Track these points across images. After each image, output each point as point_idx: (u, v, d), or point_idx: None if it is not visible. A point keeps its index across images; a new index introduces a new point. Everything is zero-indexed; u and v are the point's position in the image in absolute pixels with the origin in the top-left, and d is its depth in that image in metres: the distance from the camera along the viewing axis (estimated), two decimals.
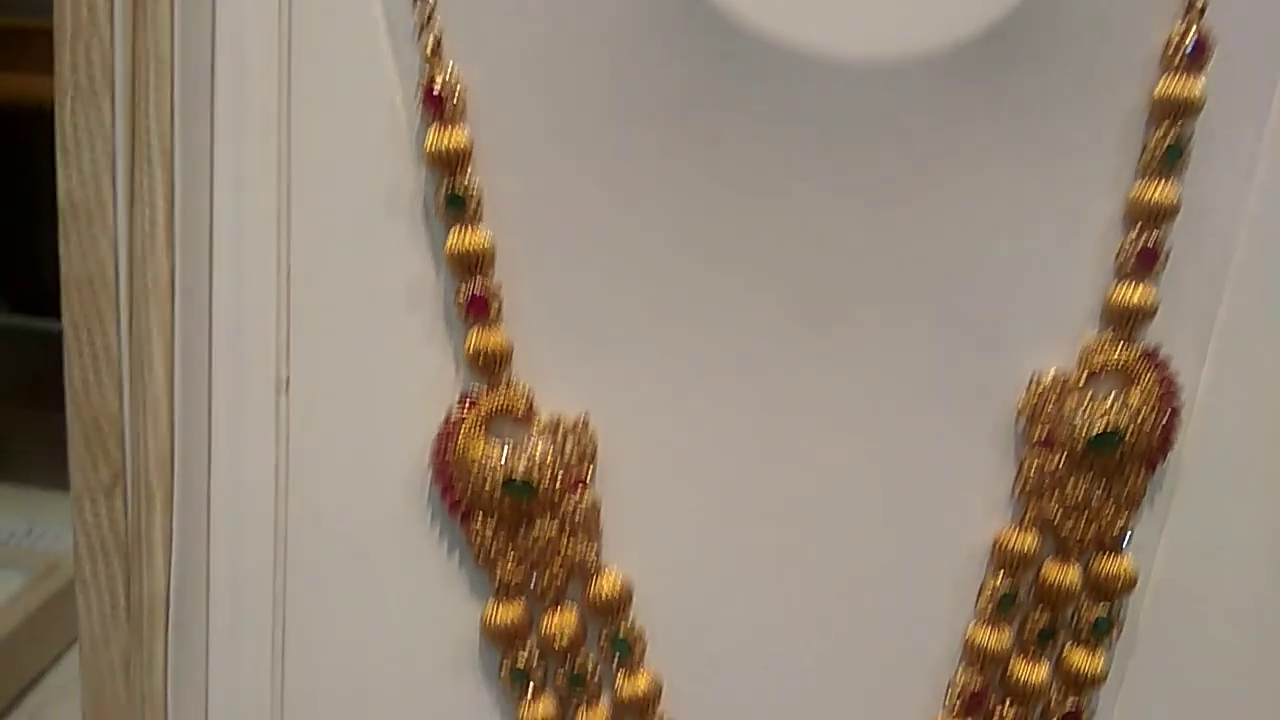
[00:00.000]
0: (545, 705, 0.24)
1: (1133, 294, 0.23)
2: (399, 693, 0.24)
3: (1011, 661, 0.24)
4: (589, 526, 0.23)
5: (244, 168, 0.22)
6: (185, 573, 0.22)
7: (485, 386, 0.23)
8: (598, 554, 0.23)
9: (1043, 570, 0.24)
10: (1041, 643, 0.24)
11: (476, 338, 0.23)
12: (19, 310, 0.86)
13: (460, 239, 0.22)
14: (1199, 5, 0.22)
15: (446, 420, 0.23)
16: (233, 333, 0.23)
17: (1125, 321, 0.23)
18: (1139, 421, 0.23)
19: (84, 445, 0.22)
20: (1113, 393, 0.23)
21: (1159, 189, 0.23)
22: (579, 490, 0.23)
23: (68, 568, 0.72)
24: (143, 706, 0.22)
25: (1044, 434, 0.23)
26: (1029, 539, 0.23)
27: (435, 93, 0.22)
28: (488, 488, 0.23)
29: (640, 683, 0.23)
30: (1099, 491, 0.23)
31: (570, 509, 0.23)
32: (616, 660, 0.24)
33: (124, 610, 0.22)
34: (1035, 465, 0.23)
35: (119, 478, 0.22)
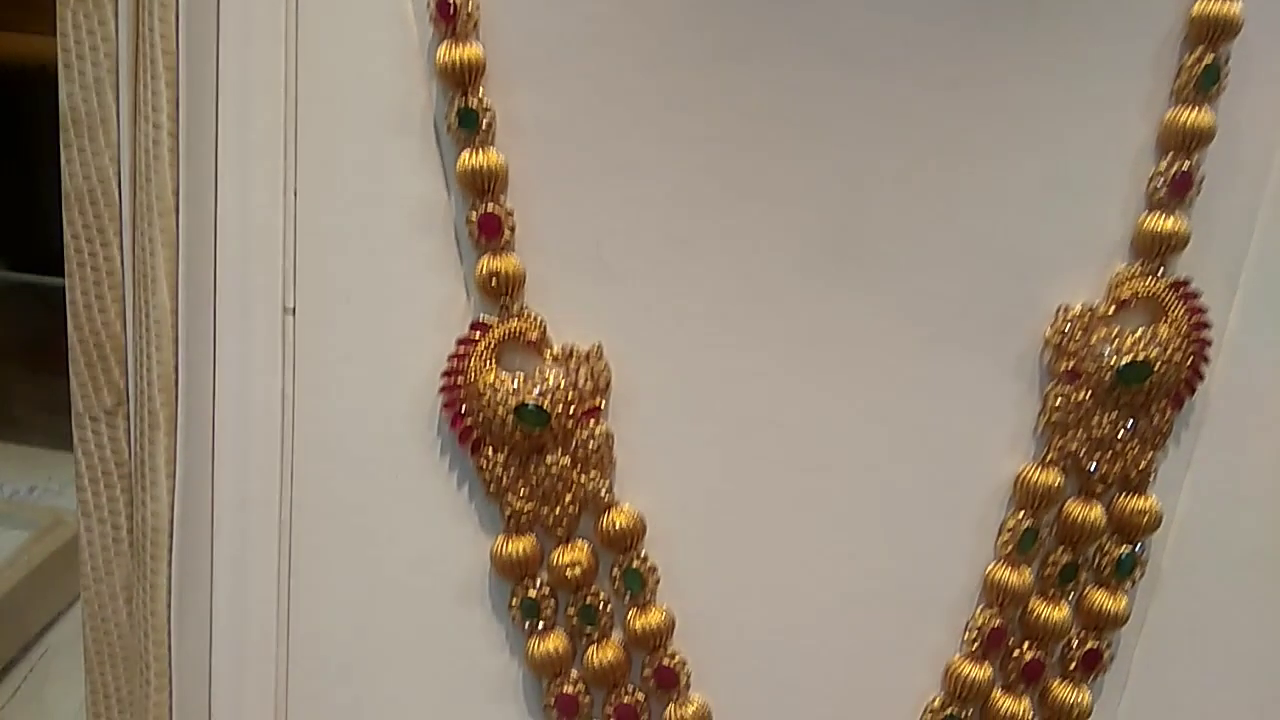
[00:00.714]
0: (555, 640, 0.23)
1: (1164, 223, 0.22)
2: (406, 624, 0.23)
3: (1031, 601, 0.23)
4: (602, 459, 0.23)
5: (250, 81, 0.21)
6: (189, 500, 0.22)
7: (497, 313, 0.22)
8: (610, 487, 0.23)
9: (1065, 508, 0.23)
10: (1062, 582, 0.23)
11: (488, 261, 0.22)
12: (18, 269, 0.86)
13: (472, 158, 0.22)
14: None
15: (457, 346, 0.22)
16: (238, 253, 0.22)
17: (1155, 252, 0.22)
18: (1167, 354, 0.22)
19: (86, 367, 0.21)
20: (1141, 325, 0.23)
21: (1194, 114, 0.22)
22: (592, 421, 0.23)
23: (71, 524, 0.72)
24: (146, 637, 0.21)
25: (1070, 367, 0.23)
26: (1052, 475, 0.23)
27: (448, 5, 0.21)
28: (499, 415, 0.22)
29: (652, 617, 0.23)
30: (1124, 427, 0.23)
31: (583, 440, 0.23)
32: (628, 595, 0.23)
33: (126, 538, 0.22)
34: (1060, 399, 0.23)
35: (122, 401, 0.21)
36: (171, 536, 0.21)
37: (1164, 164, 0.22)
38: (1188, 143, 0.22)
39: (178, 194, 0.20)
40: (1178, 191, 0.22)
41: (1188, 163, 0.22)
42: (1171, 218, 0.22)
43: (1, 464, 0.80)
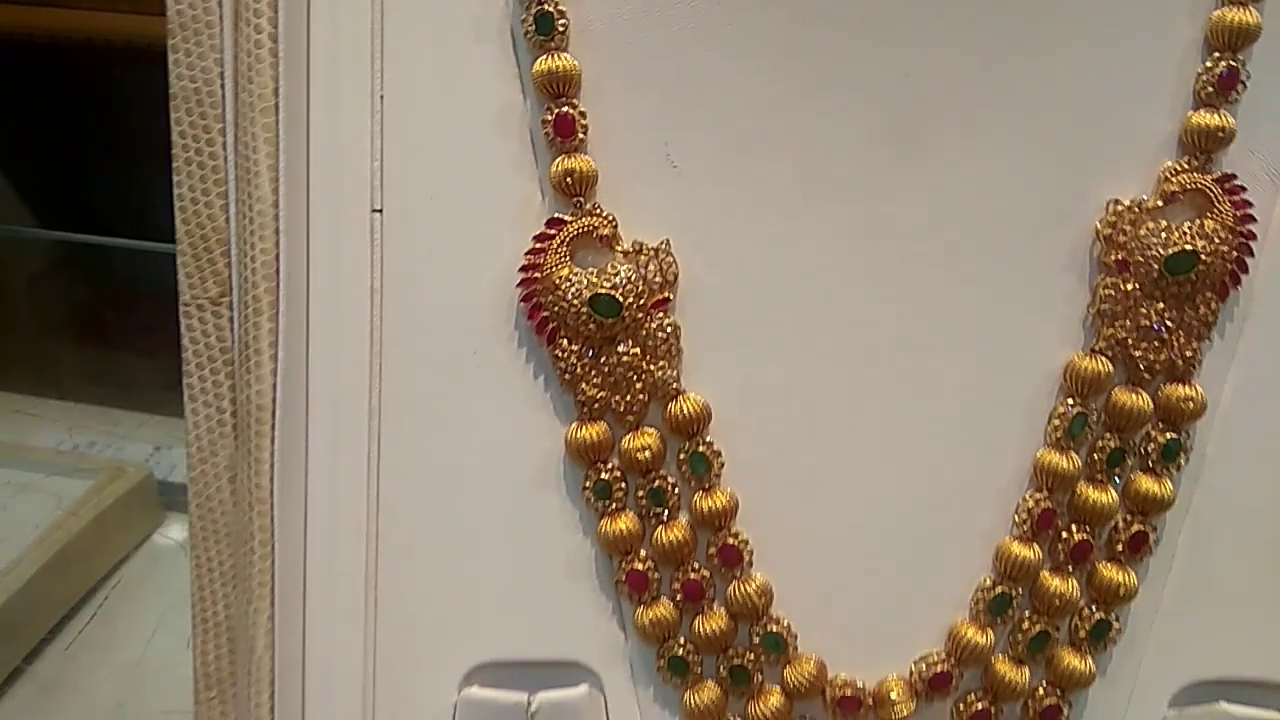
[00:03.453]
0: (626, 520, 0.25)
1: (1210, 120, 0.23)
2: (486, 506, 0.25)
3: (1079, 485, 0.25)
4: (670, 349, 0.24)
5: None
6: (288, 383, 0.24)
7: (571, 211, 0.24)
8: (678, 376, 0.24)
9: (1113, 395, 0.24)
10: (1110, 467, 0.24)
11: (563, 161, 0.24)
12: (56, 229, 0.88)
13: (547, 62, 0.23)
14: None
15: (534, 242, 0.24)
16: (329, 155, 0.24)
17: (1202, 148, 0.23)
18: (1213, 246, 0.23)
19: (193, 258, 0.23)
20: (1188, 219, 0.24)
21: (1239, 13, 0.23)
22: (660, 313, 0.24)
23: (132, 473, 0.75)
24: (250, 508, 0.23)
25: (1119, 258, 0.24)
26: (1100, 364, 0.24)
27: None
28: (574, 307, 0.24)
29: (717, 499, 0.24)
30: (1172, 317, 0.24)
31: (651, 331, 0.24)
32: (694, 478, 0.24)
33: (230, 420, 0.24)
34: (1109, 289, 0.24)
35: (226, 291, 0.23)
36: (274, 415, 0.23)
37: (1210, 62, 0.23)
38: (1233, 41, 0.23)
39: (277, 94, 0.22)
40: (1224, 89, 0.23)
41: (1233, 61, 0.23)
42: (1217, 115, 0.23)
43: (60, 421, 0.83)
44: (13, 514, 0.71)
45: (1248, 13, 0.23)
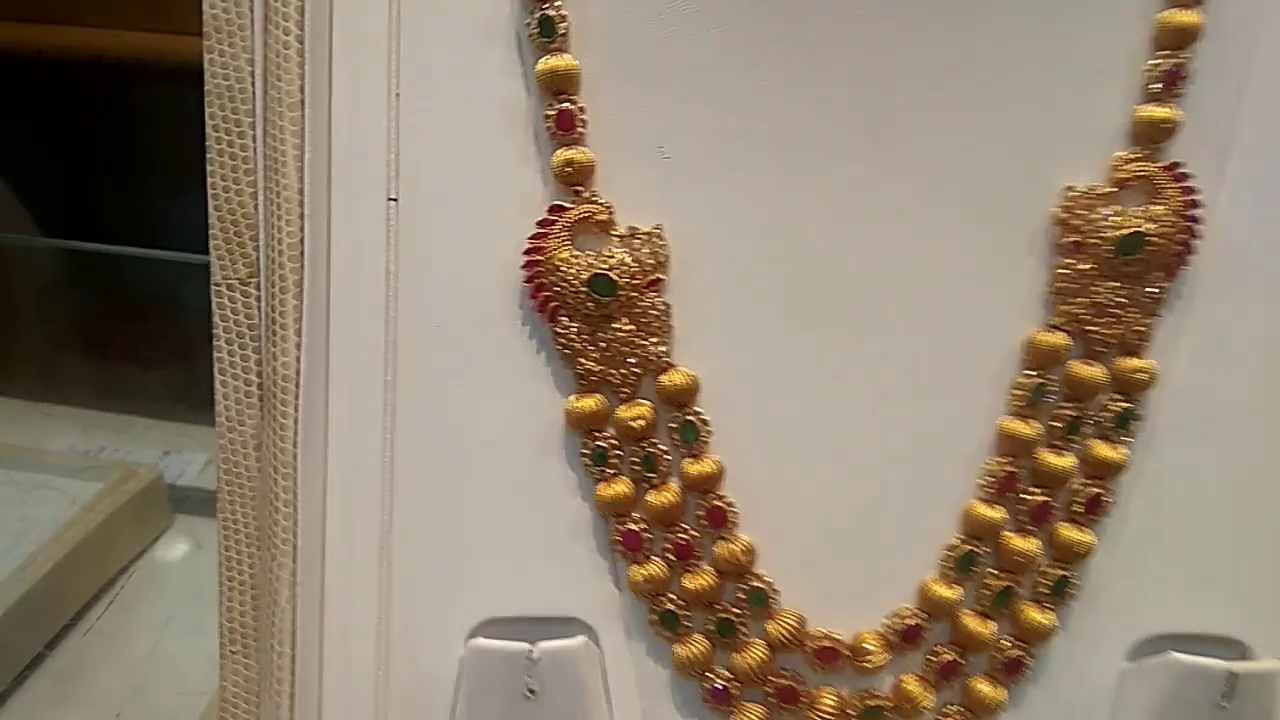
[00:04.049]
0: (621, 484, 0.26)
1: (1158, 112, 0.25)
2: (491, 472, 0.27)
3: (1040, 450, 0.26)
4: (662, 326, 0.26)
5: None
6: (311, 357, 0.26)
7: (571, 199, 0.26)
8: (669, 351, 0.26)
9: (1070, 367, 0.26)
10: (1068, 434, 0.26)
11: (564, 153, 0.26)
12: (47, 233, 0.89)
13: (550, 62, 0.25)
14: None
15: (537, 228, 0.26)
16: (349, 147, 0.26)
17: (1150, 138, 0.25)
18: (1161, 229, 0.25)
19: (224, 242, 0.25)
20: (1138, 204, 0.26)
21: (1185, 15, 0.25)
22: (653, 293, 0.26)
23: (143, 475, 0.77)
24: (275, 472, 0.25)
25: (1075, 240, 0.26)
26: (1059, 338, 0.26)
27: None
28: (573, 287, 0.26)
29: (705, 465, 0.26)
30: (1124, 295, 0.26)
31: (645, 309, 0.26)
32: (684, 445, 0.26)
33: (256, 391, 0.26)
34: (1066, 269, 0.26)
35: (254, 272, 0.25)
36: (298, 386, 0.25)
37: (1158, 59, 0.25)
38: (1179, 40, 0.25)
39: (303, 90, 0.24)
40: (1170, 84, 0.25)
41: (1179, 58, 0.25)
42: (1165, 108, 0.25)
43: (72, 426, 0.85)
44: (29, 512, 0.73)
45: (1191, 14, 0.25)
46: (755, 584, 0.27)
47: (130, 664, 0.65)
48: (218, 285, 0.25)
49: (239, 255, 0.25)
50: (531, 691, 0.26)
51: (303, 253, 0.25)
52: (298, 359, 0.25)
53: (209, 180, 0.25)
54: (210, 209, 0.25)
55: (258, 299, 0.25)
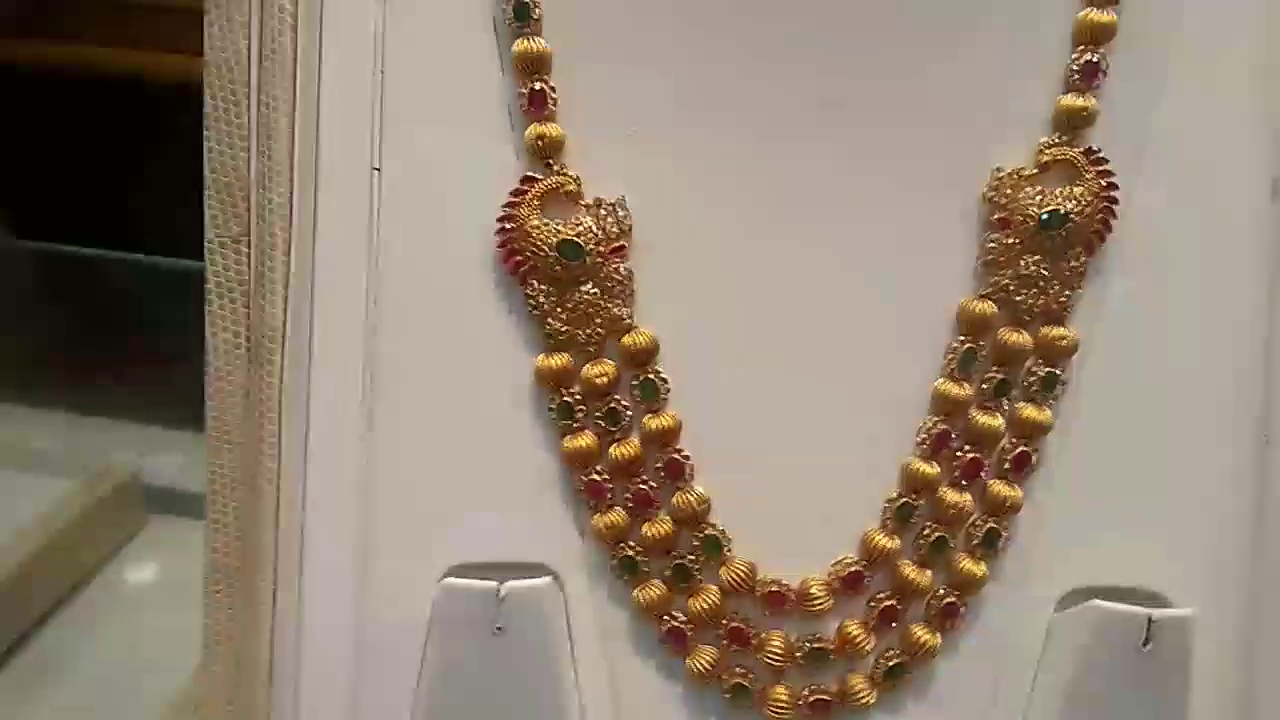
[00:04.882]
0: (585, 438, 0.28)
1: (1077, 102, 0.28)
2: (470, 424, 0.28)
3: (972, 411, 0.29)
4: (625, 290, 0.28)
5: None
6: (296, 314, 0.27)
7: (542, 171, 0.28)
8: (632, 314, 0.28)
9: (999, 334, 0.28)
10: (997, 396, 0.29)
11: (535, 128, 0.28)
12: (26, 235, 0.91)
13: (524, 44, 0.27)
14: None
15: (510, 197, 0.28)
16: (336, 119, 0.28)
17: (1072, 125, 0.28)
18: (1081, 208, 0.28)
19: (219, 203, 0.27)
20: (1060, 185, 0.28)
21: (1100, 14, 0.28)
22: (617, 259, 0.28)
23: (120, 472, 0.77)
24: (261, 416, 0.27)
25: (1002, 217, 0.28)
26: (987, 306, 0.28)
27: None
28: (543, 251, 0.28)
29: (664, 420, 0.28)
30: (1047, 268, 0.28)
31: (610, 274, 0.28)
32: (644, 402, 0.28)
33: (244, 344, 0.27)
34: (994, 243, 0.28)
35: (246, 231, 0.27)
36: (284, 339, 0.27)
37: (1076, 54, 0.28)
38: (1095, 37, 0.28)
39: (295, 64, 0.26)
40: (1087, 77, 0.28)
41: (1096, 54, 0.28)
42: (1083, 98, 0.28)
43: (50, 427, 0.85)
44: (1, 509, 0.73)
45: (1107, 14, 0.28)
46: (709, 532, 0.29)
47: (100, 662, 0.65)
48: (210, 243, 0.27)
49: (231, 215, 0.27)
50: (499, 629, 0.28)
51: (291, 213, 0.27)
52: (285, 312, 0.27)
53: (205, 145, 0.27)
54: (206, 172, 0.27)
55: (248, 256, 0.27)
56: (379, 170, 0.28)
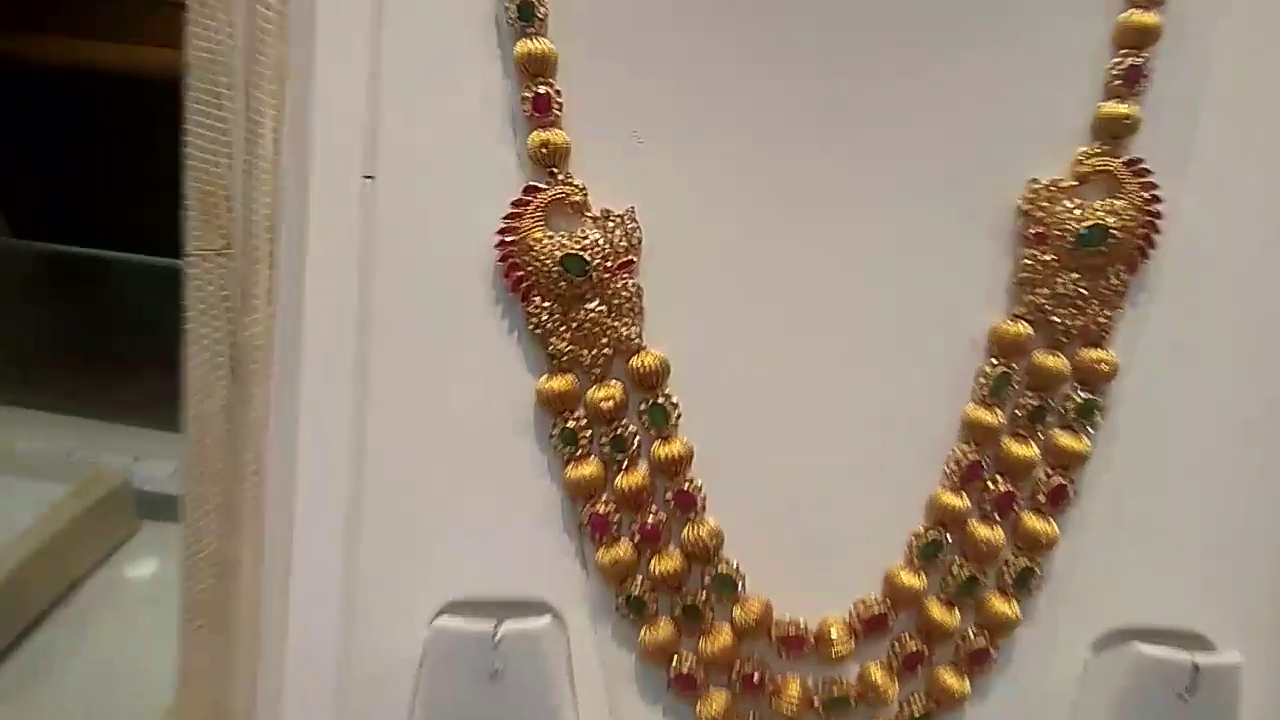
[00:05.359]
0: (590, 466, 0.27)
1: (1119, 109, 0.26)
2: (465, 450, 0.27)
3: (1004, 439, 0.27)
4: (633, 308, 0.26)
5: None
6: (284, 333, 0.26)
7: (546, 180, 0.26)
8: (640, 333, 0.27)
9: (1034, 357, 0.27)
10: (1031, 423, 0.27)
11: (539, 134, 0.26)
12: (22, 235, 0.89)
13: (528, 45, 0.26)
14: None
15: (511, 208, 0.26)
16: (327, 123, 0.26)
17: (1112, 134, 0.26)
18: (1122, 223, 0.26)
19: (199, 212, 0.25)
20: (1100, 198, 0.26)
21: (1144, 16, 0.26)
22: (625, 274, 0.26)
23: (110, 478, 0.76)
24: (243, 440, 0.25)
25: (1038, 231, 0.26)
26: (1022, 328, 0.26)
27: None
28: (546, 266, 0.26)
29: (674, 448, 0.26)
30: (1086, 286, 0.26)
31: (617, 291, 0.26)
32: (653, 428, 0.27)
33: (226, 363, 0.26)
34: (1030, 260, 0.26)
35: (229, 244, 0.25)
36: (269, 359, 0.25)
37: (1118, 58, 0.26)
38: (1138, 40, 0.26)
39: (283, 65, 0.24)
40: (1130, 83, 0.26)
41: (1138, 58, 0.26)
42: (1125, 105, 0.26)
43: (41, 430, 0.84)
44: None
45: (1151, 15, 0.26)
46: (722, 569, 0.27)
47: (92, 667, 0.64)
48: (190, 257, 0.25)
49: (213, 227, 0.25)
50: (495, 672, 0.26)
51: (277, 226, 0.25)
52: (270, 330, 0.25)
53: (186, 151, 0.25)
54: (186, 180, 0.25)
55: (233, 270, 0.25)
56: (372, 179, 0.26)
